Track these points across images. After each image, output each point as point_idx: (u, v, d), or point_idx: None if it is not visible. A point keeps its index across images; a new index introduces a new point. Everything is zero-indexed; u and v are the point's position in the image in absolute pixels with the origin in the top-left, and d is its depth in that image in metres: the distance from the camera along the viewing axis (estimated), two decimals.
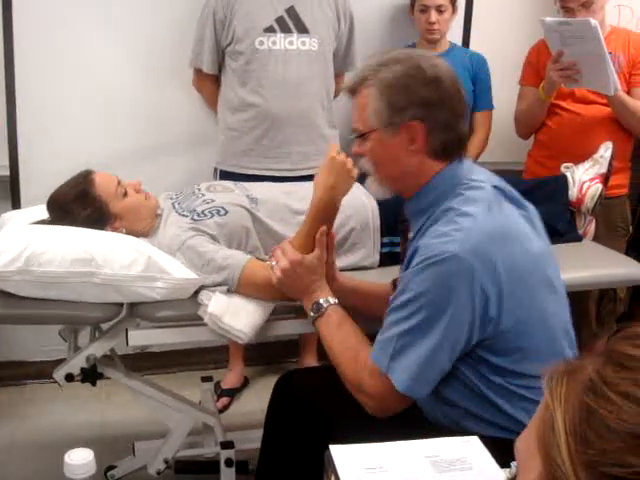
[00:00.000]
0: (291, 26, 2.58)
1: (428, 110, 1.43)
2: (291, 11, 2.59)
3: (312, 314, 1.63)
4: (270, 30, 2.56)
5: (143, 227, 2.04)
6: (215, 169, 2.74)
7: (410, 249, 1.47)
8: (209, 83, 2.74)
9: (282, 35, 2.57)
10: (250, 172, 2.60)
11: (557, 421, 0.62)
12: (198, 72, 2.72)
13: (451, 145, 1.47)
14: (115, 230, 1.97)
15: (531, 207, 1.55)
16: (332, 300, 1.64)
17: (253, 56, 2.57)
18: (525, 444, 0.67)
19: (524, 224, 1.47)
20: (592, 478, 0.59)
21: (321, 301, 1.62)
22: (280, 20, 2.57)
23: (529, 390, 1.42)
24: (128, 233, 1.98)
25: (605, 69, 2.43)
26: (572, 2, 2.56)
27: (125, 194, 2.02)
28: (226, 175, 2.62)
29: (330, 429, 1.54)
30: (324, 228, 1.70)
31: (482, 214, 1.39)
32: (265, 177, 2.50)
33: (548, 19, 2.50)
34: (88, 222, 1.93)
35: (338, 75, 2.74)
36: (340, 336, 1.56)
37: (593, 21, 2.38)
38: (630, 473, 0.57)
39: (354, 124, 1.52)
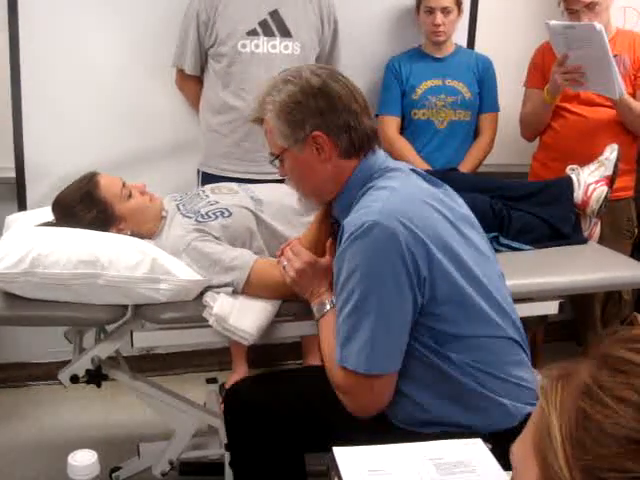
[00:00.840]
0: (274, 30, 2.58)
1: (324, 118, 1.51)
2: (275, 15, 2.58)
3: (316, 314, 1.65)
4: (253, 33, 2.56)
5: (148, 229, 2.05)
6: (198, 171, 2.74)
7: (339, 233, 1.51)
8: (192, 84, 2.74)
9: (265, 38, 2.57)
10: (230, 175, 2.58)
11: (553, 426, 0.61)
12: (180, 72, 2.72)
13: (360, 142, 1.55)
14: (120, 232, 1.98)
15: (449, 188, 1.63)
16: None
17: (235, 59, 2.57)
18: (521, 449, 0.66)
19: (442, 195, 1.55)
20: None
21: (326, 302, 1.63)
22: (263, 23, 2.57)
23: (478, 362, 1.45)
24: (133, 235, 1.98)
25: (610, 73, 2.42)
26: (576, 4, 2.55)
27: (130, 196, 2.02)
28: (207, 177, 2.62)
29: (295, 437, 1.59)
30: None
31: (398, 185, 1.48)
32: (244, 180, 2.42)
33: (553, 22, 2.48)
34: (93, 224, 1.94)
35: None
36: (332, 338, 1.57)
37: (598, 25, 2.36)
38: (628, 479, 0.57)
39: (270, 150, 1.62)
